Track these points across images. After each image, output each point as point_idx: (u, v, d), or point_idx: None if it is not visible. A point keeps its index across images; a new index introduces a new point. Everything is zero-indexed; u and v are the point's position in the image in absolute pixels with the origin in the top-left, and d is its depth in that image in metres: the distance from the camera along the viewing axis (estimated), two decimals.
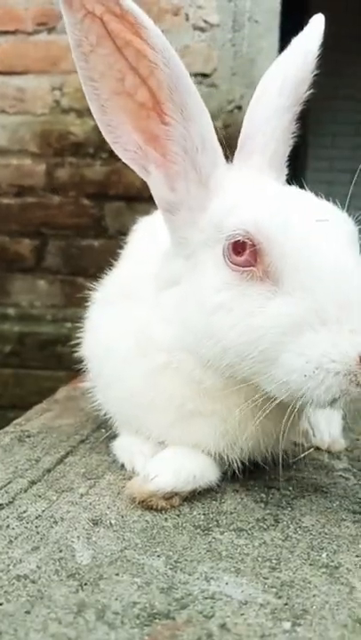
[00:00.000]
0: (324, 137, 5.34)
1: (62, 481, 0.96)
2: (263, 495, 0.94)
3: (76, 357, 1.14)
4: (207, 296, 0.84)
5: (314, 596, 0.66)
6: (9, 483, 0.94)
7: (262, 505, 0.90)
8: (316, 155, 5.31)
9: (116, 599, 0.64)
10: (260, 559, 0.74)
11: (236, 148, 0.96)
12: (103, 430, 1.15)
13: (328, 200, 0.88)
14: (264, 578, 0.69)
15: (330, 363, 0.74)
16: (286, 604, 0.64)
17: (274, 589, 0.67)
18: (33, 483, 0.95)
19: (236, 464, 0.92)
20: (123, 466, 1.01)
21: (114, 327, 1.00)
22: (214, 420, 0.89)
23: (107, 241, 2.68)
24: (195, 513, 0.86)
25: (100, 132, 0.90)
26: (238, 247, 0.82)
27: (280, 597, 0.65)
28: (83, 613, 0.61)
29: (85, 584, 0.67)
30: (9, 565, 0.70)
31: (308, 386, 0.75)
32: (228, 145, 0.95)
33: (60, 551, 0.74)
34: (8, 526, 0.80)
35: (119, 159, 0.91)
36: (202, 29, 2.55)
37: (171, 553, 0.75)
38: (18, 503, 0.87)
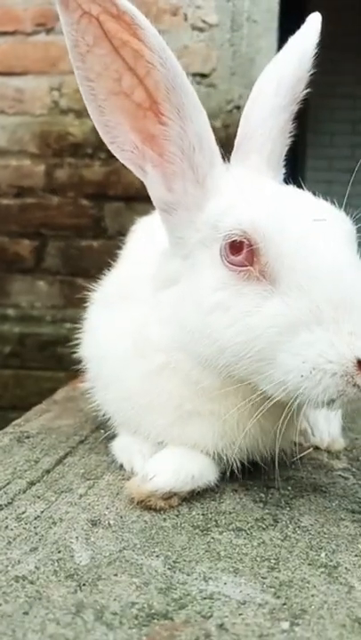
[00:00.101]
0: (323, 135, 5.34)
1: (61, 481, 0.96)
2: (262, 495, 0.94)
3: (75, 358, 1.15)
4: (204, 296, 0.84)
5: (312, 595, 0.66)
6: (8, 484, 0.94)
7: (261, 505, 0.90)
8: (315, 154, 5.31)
9: (115, 599, 0.64)
10: (258, 559, 0.74)
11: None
12: (102, 431, 1.15)
13: (327, 199, 0.88)
14: (263, 578, 0.69)
15: (327, 363, 0.74)
16: (285, 604, 0.64)
17: (272, 589, 0.67)
18: (32, 483, 0.95)
19: (234, 464, 0.92)
20: (122, 466, 1.01)
21: (112, 328, 1.00)
22: (212, 420, 0.89)
23: (106, 241, 2.68)
24: (193, 513, 0.86)
25: (98, 133, 0.90)
26: (235, 247, 0.82)
27: (278, 597, 0.65)
28: (81, 614, 0.61)
29: (84, 584, 0.67)
30: (7, 566, 0.70)
31: (305, 386, 0.75)
32: (228, 145, 0.95)
33: (59, 552, 0.74)
34: (7, 527, 0.80)
35: (118, 159, 0.91)
36: (200, 29, 2.55)
37: (169, 553, 0.75)
38: (17, 504, 0.87)
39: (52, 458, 1.06)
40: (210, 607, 0.63)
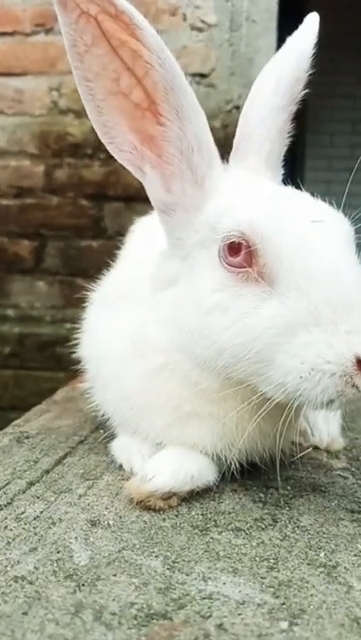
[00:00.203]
0: (323, 135, 5.34)
1: (61, 482, 0.96)
2: (261, 495, 0.94)
3: (75, 358, 1.15)
4: (203, 297, 0.84)
5: (311, 595, 0.66)
6: (7, 484, 0.94)
7: (260, 505, 0.90)
8: (315, 154, 5.31)
9: (114, 600, 0.64)
10: (257, 559, 0.74)
11: None
12: (102, 431, 1.15)
13: (326, 199, 0.88)
14: (262, 577, 0.69)
15: (325, 364, 0.74)
16: (284, 604, 0.64)
17: (271, 589, 0.67)
18: (31, 484, 0.95)
19: (234, 464, 0.92)
20: (121, 466, 1.01)
21: (111, 328, 1.00)
22: (212, 421, 0.89)
23: (106, 241, 2.68)
24: (193, 513, 0.86)
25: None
26: (234, 248, 0.82)
27: (278, 597, 0.65)
28: (80, 614, 0.61)
29: (83, 585, 0.67)
30: (6, 566, 0.70)
31: (304, 387, 0.75)
32: (227, 145, 0.95)
33: (58, 552, 0.74)
34: (6, 527, 0.80)
35: (117, 160, 0.91)
36: (199, 29, 2.55)
37: (168, 553, 0.75)
38: (16, 504, 0.87)
39: (51, 458, 1.06)
40: (209, 607, 0.63)
